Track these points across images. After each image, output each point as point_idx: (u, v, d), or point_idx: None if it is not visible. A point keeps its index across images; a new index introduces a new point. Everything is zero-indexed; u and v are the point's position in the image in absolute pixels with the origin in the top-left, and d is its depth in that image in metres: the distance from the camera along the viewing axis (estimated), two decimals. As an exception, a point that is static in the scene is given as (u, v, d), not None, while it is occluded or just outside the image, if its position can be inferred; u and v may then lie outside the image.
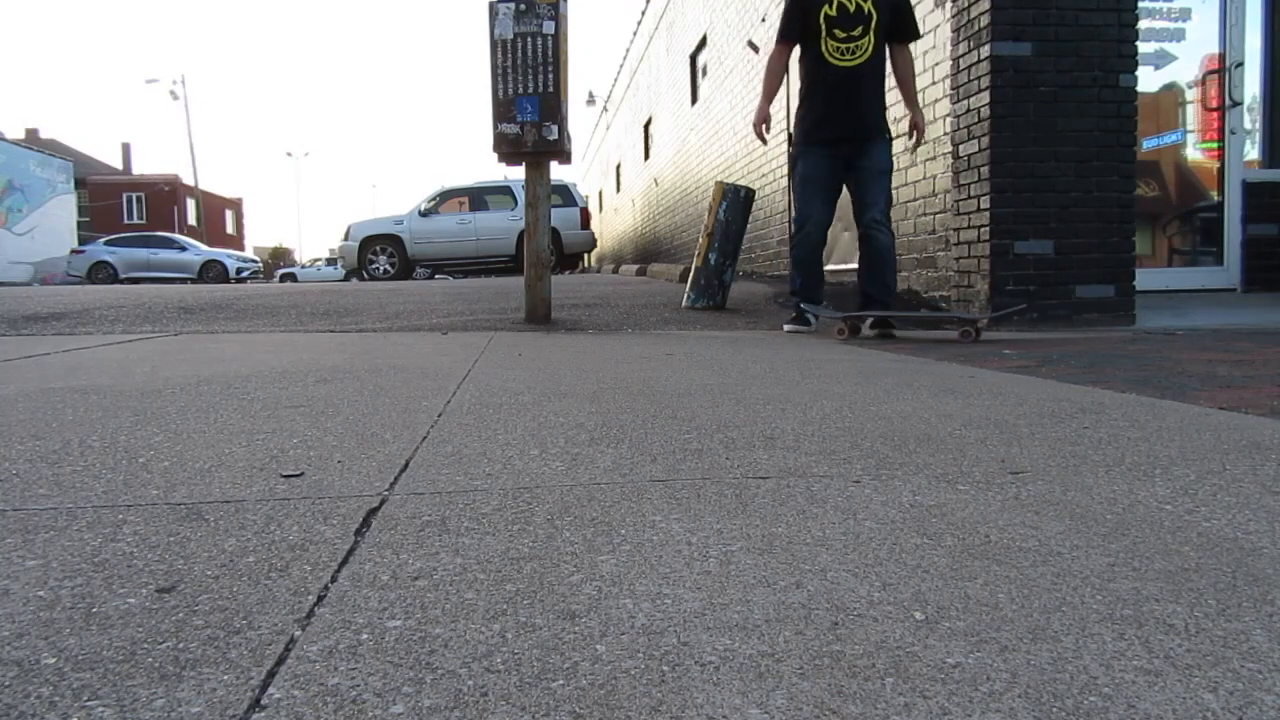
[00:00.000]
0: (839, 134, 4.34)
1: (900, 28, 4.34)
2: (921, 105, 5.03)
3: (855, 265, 6.70)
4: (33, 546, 1.03)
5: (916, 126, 4.43)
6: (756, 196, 6.79)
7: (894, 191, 5.74)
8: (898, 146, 5.30)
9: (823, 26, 4.28)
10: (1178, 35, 5.59)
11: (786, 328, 4.63)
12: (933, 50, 5.18)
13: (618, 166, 22.28)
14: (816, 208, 4.40)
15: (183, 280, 16.57)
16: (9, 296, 7.07)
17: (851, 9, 4.27)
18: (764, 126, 4.55)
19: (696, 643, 0.77)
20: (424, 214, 14.83)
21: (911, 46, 4.42)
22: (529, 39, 4.36)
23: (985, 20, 4.64)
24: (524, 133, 4.41)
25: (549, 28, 4.36)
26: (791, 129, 8.13)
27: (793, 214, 4.66)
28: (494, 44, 4.37)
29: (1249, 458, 1.49)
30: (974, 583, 0.92)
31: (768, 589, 0.90)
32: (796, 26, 4.36)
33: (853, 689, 0.69)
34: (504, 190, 14.83)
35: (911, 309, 5.34)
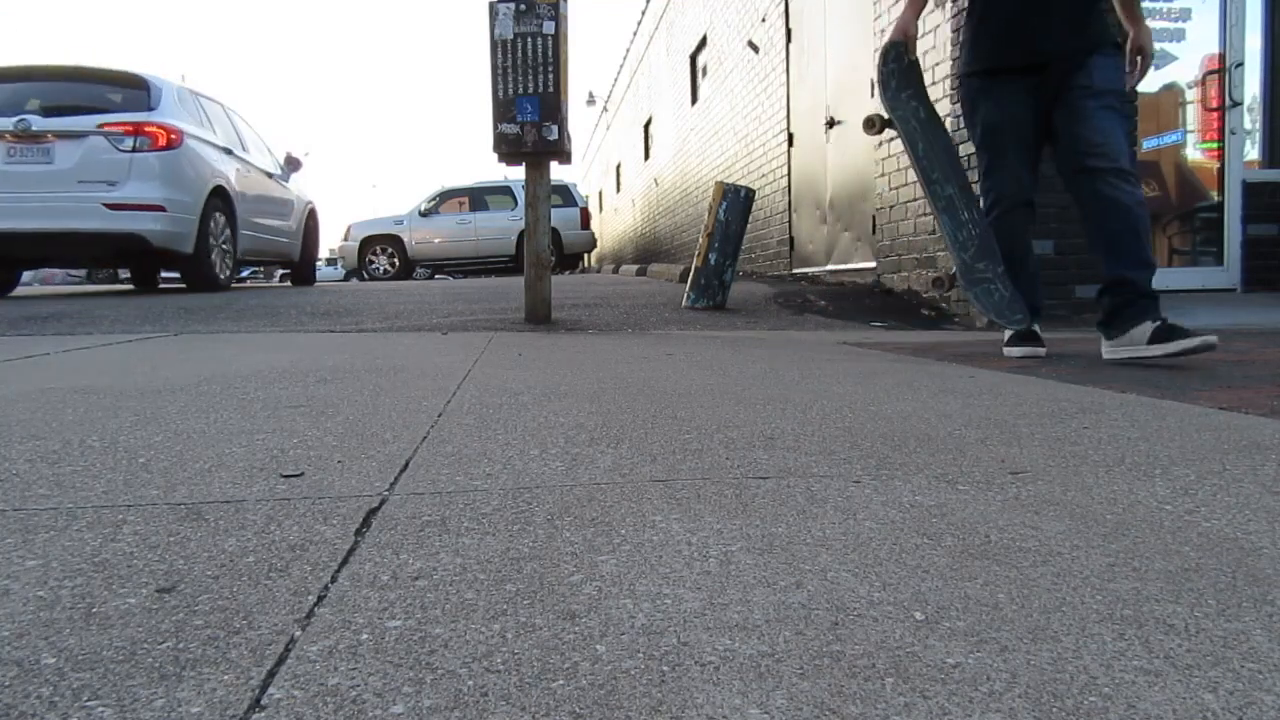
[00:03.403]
0: (1036, 53, 3.00)
1: None
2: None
3: (856, 265, 6.73)
4: (33, 546, 1.03)
5: (1141, 49, 3.05)
6: (756, 196, 6.80)
7: (894, 191, 5.77)
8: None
9: None
10: (1178, 35, 5.60)
11: (1015, 352, 3.19)
12: (933, 50, 5.18)
13: (618, 166, 22.29)
14: (1007, 174, 3.11)
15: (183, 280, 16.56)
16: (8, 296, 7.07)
17: None
18: (910, 45, 3.25)
19: (696, 643, 0.77)
20: (424, 214, 14.84)
21: None
22: (529, 39, 4.36)
23: (985, 20, 4.64)
24: (524, 133, 4.41)
25: (549, 28, 4.36)
26: (791, 126, 8.16)
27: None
28: (494, 44, 4.37)
29: (1249, 458, 1.49)
30: (974, 583, 0.92)
31: (768, 589, 0.90)
32: None
33: (853, 689, 0.69)
34: (504, 190, 14.84)
35: (911, 309, 5.35)
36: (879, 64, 3.37)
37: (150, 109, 6.28)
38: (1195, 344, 2.67)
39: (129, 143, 5.98)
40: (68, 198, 5.89)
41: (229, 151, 7.10)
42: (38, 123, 5.94)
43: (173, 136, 6.17)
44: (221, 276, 6.89)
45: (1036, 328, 3.26)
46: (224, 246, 6.94)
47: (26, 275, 8.22)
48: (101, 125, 6.00)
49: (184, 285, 7.11)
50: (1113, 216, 2.84)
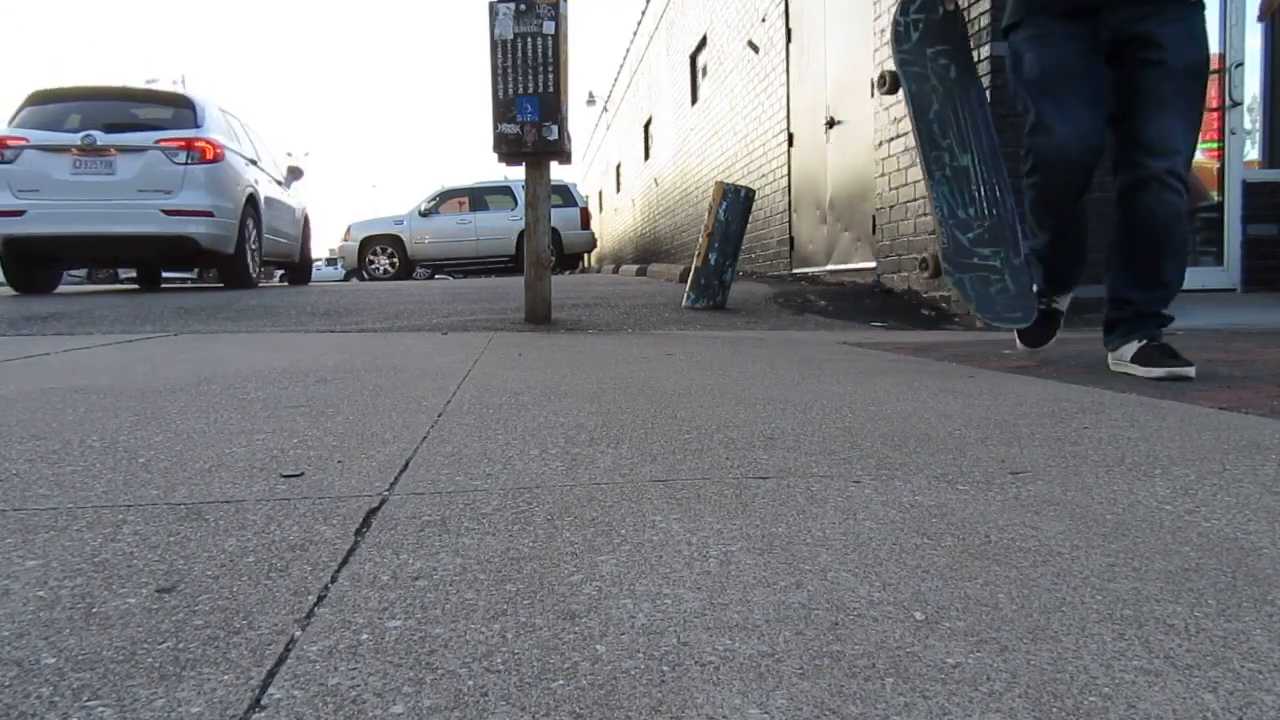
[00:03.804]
0: None
1: None
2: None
3: (856, 265, 6.73)
4: (33, 546, 1.03)
5: None
6: (756, 196, 6.80)
7: (894, 191, 5.76)
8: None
9: None
10: (1178, 35, 5.58)
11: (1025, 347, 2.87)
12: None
13: (618, 166, 22.29)
14: (1056, 123, 2.49)
15: (183, 280, 16.65)
16: (9, 296, 7.07)
17: None
18: None
19: (696, 643, 0.77)
20: (424, 214, 14.85)
21: None
22: (529, 39, 4.36)
23: (985, 20, 4.65)
24: (524, 133, 4.41)
25: (549, 28, 4.36)
26: (791, 126, 8.16)
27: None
28: (494, 44, 4.37)
29: (1249, 458, 1.49)
30: (974, 583, 0.92)
31: (768, 589, 0.90)
32: None
33: (853, 689, 0.69)
34: (504, 190, 14.85)
35: (911, 309, 5.35)
36: (896, 13, 3.02)
37: (197, 126, 7.11)
38: (1162, 374, 2.49)
39: (182, 156, 6.86)
40: (130, 205, 6.71)
41: (254, 163, 8.02)
42: (102, 138, 6.70)
43: (217, 151, 7.06)
44: (253, 275, 7.79)
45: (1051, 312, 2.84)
46: (253, 248, 7.78)
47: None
48: (158, 141, 6.85)
49: (188, 285, 7.51)
50: (1138, 228, 2.54)
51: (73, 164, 6.68)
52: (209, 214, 6.93)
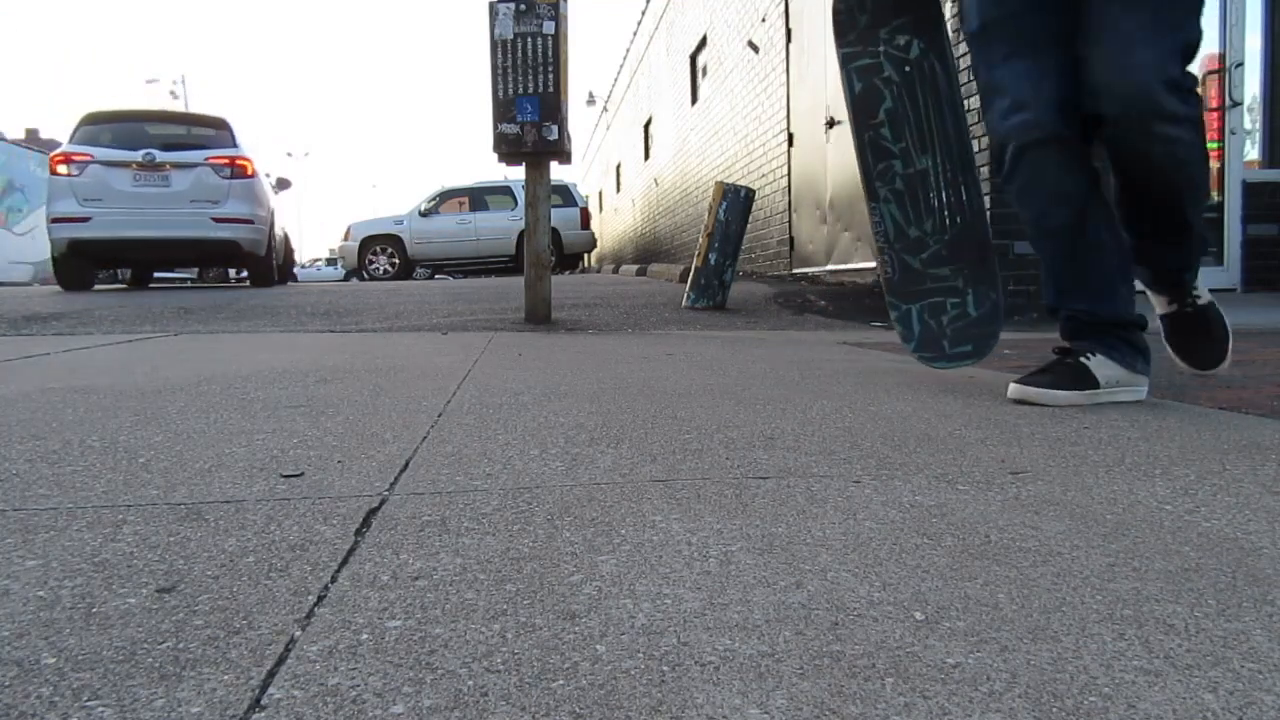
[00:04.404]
0: None
1: None
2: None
3: (856, 265, 6.72)
4: (33, 546, 1.03)
5: None
6: (756, 196, 6.80)
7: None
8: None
9: None
10: (1178, 35, 5.58)
11: (1062, 398, 2.00)
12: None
13: (618, 166, 22.29)
14: (1011, 91, 1.95)
15: (184, 280, 16.70)
16: (9, 297, 7.08)
17: None
18: None
19: (696, 643, 0.77)
20: (424, 214, 14.85)
21: None
22: (529, 39, 4.36)
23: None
24: (524, 133, 4.41)
25: (549, 28, 4.36)
26: (791, 126, 8.15)
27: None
28: (494, 44, 4.37)
29: (1249, 458, 1.49)
30: (974, 583, 0.92)
31: (768, 589, 0.90)
32: None
33: (853, 689, 0.69)
34: (504, 190, 14.85)
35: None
36: (835, 2, 2.46)
37: (235, 146, 8.26)
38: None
39: (226, 172, 8.03)
40: (184, 213, 7.85)
41: (267, 175, 9.25)
42: (160, 155, 7.81)
43: (254, 167, 8.29)
44: (275, 275, 9.06)
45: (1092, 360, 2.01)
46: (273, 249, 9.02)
47: (28, 275, 8.98)
48: (207, 159, 7.98)
49: (188, 285, 8.11)
50: (1147, 161, 1.89)
51: (133, 177, 7.74)
52: (250, 221, 8.09)
